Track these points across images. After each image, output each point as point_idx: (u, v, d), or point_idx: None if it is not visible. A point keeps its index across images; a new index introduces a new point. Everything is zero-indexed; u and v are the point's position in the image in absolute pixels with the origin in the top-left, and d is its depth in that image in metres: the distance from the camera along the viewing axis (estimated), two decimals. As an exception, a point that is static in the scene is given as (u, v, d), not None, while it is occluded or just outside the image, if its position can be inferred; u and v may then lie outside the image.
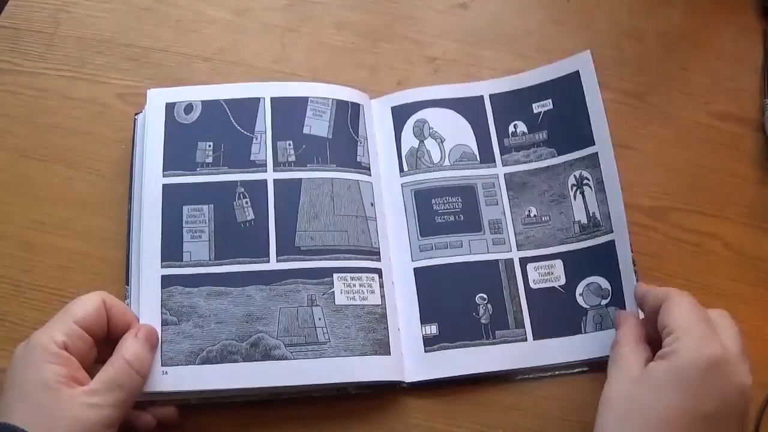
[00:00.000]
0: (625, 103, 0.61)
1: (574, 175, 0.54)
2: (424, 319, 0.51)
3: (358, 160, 0.55)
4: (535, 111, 0.57)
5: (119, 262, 0.51)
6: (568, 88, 0.56)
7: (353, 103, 0.56)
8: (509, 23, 0.64)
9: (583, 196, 0.54)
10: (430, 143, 0.56)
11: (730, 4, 0.66)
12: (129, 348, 0.44)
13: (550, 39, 0.63)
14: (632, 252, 0.52)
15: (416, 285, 0.52)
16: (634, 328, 0.46)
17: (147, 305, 0.48)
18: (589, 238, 0.53)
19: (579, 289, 0.52)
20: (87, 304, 0.44)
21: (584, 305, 0.51)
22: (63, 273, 0.52)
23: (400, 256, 0.53)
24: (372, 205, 0.53)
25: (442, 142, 0.56)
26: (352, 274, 0.50)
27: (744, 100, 0.62)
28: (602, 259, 0.52)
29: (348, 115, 0.56)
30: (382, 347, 0.49)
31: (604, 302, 0.51)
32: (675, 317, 0.43)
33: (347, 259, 0.51)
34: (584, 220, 0.53)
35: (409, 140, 0.56)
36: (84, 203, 0.54)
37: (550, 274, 0.52)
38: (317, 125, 0.55)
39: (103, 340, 0.45)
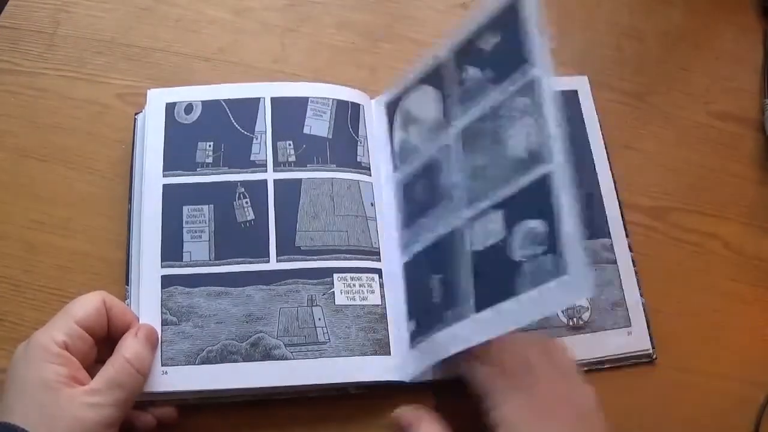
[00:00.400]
0: (625, 103, 0.61)
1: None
2: (410, 316, 0.50)
3: (358, 160, 0.54)
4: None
5: (119, 262, 0.51)
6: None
7: (353, 103, 0.56)
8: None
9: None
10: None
11: (730, 4, 0.66)
12: (129, 347, 0.44)
13: (549, 39, 0.63)
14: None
15: (405, 281, 0.51)
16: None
17: (147, 305, 0.48)
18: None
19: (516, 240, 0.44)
20: (87, 304, 0.44)
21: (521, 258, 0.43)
22: (63, 273, 0.52)
23: (394, 254, 0.53)
24: (372, 205, 0.53)
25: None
26: (352, 274, 0.50)
27: (744, 100, 0.62)
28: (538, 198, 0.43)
29: (348, 115, 0.56)
30: (383, 347, 0.49)
31: (540, 250, 0.42)
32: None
33: (347, 259, 0.51)
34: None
35: (398, 135, 0.56)
36: (84, 203, 0.54)
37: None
38: (317, 125, 0.54)
39: (103, 340, 0.45)
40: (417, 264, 0.51)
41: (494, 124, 0.47)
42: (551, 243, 0.41)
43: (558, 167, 0.42)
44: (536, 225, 0.42)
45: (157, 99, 0.54)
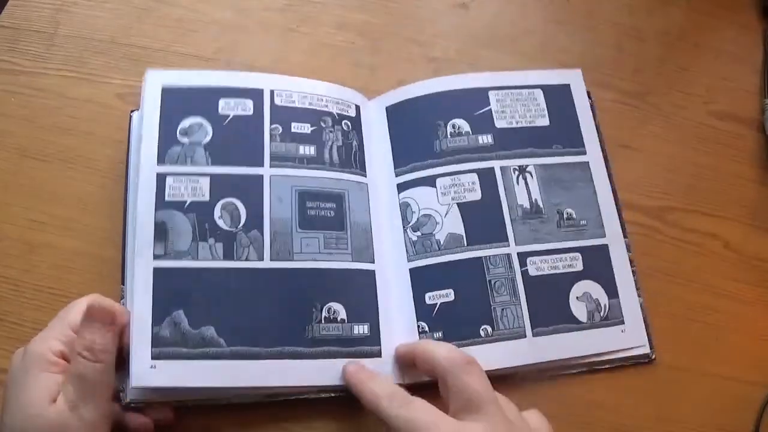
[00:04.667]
0: (625, 103, 0.61)
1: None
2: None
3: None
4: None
5: (119, 262, 0.51)
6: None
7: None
8: (509, 23, 0.64)
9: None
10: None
11: (730, 3, 0.66)
12: (80, 340, 0.42)
13: (550, 39, 0.63)
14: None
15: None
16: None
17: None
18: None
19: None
20: (83, 310, 0.43)
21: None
22: (63, 273, 0.52)
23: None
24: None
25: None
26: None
27: (744, 100, 0.62)
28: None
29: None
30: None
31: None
32: (463, 379, 0.42)
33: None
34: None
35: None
36: (84, 203, 0.54)
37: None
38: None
39: None
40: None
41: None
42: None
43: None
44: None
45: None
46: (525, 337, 0.50)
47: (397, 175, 0.55)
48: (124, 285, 0.49)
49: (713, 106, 0.62)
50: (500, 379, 0.50)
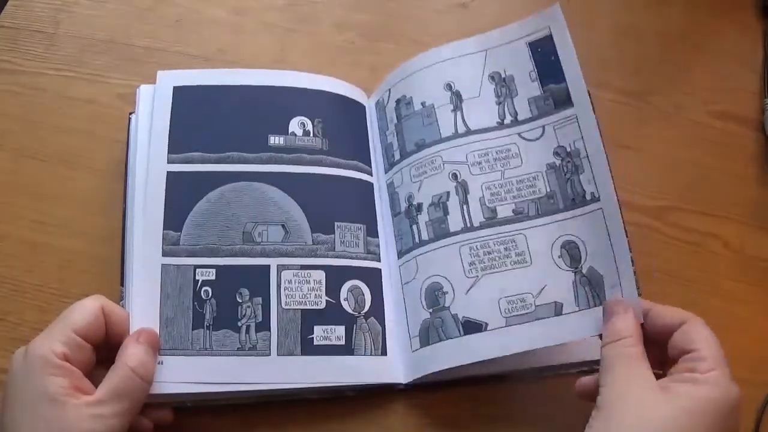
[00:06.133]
0: (625, 103, 0.61)
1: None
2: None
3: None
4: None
5: (119, 262, 0.51)
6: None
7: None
8: (509, 23, 0.64)
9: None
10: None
11: (730, 3, 0.66)
12: (132, 355, 0.43)
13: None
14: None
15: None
16: (638, 327, 0.43)
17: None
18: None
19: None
20: (85, 312, 0.43)
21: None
22: (64, 273, 0.52)
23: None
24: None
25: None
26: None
27: (744, 100, 0.62)
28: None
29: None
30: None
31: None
32: (707, 345, 0.41)
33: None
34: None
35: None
36: (84, 203, 0.54)
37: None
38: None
39: (101, 345, 0.44)
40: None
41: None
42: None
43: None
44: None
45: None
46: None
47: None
48: (123, 286, 0.49)
49: (713, 106, 0.62)
50: (499, 378, 0.50)
